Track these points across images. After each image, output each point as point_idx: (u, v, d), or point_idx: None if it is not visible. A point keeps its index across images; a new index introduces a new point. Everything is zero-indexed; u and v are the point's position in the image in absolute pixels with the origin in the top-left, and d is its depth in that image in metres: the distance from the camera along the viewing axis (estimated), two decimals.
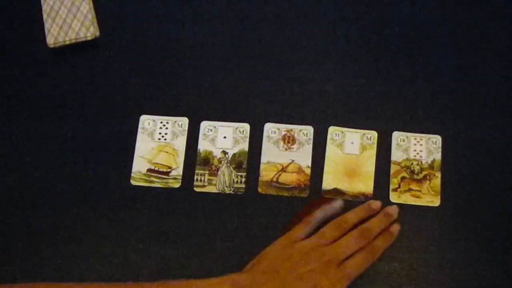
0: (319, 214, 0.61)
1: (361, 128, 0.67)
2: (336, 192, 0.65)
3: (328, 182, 0.65)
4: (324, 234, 0.59)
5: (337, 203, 0.62)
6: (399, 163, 0.66)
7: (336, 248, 0.58)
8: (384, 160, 0.66)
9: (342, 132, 0.67)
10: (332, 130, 0.67)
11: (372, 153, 0.66)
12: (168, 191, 0.66)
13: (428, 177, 0.65)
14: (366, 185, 0.65)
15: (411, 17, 0.70)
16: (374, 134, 0.66)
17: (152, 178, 0.66)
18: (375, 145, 0.66)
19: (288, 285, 0.55)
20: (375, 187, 0.65)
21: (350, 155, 0.66)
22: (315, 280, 0.55)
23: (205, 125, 0.68)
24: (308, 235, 0.59)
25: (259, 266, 0.57)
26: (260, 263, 0.58)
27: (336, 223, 0.60)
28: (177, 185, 0.66)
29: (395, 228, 0.61)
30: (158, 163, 0.66)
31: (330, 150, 0.66)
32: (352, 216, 0.61)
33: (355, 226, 0.60)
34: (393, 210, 0.62)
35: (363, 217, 0.61)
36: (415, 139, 0.66)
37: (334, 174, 0.65)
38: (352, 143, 0.66)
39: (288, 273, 0.56)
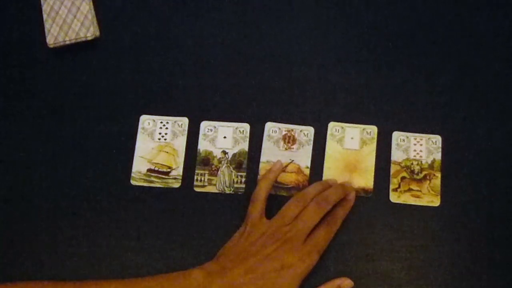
0: (260, 190, 0.61)
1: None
2: None
3: (328, 177, 0.65)
4: (285, 213, 0.60)
5: (275, 164, 0.63)
6: (399, 163, 0.66)
7: (298, 223, 0.59)
8: (384, 160, 0.66)
9: (342, 128, 0.67)
10: (332, 126, 0.67)
11: (372, 148, 0.66)
12: (168, 191, 0.66)
13: (428, 177, 0.65)
14: (366, 180, 0.65)
15: (411, 17, 0.70)
16: (374, 129, 0.66)
17: (152, 178, 0.66)
18: (375, 140, 0.66)
19: (254, 267, 0.56)
20: (375, 184, 0.65)
21: (350, 150, 0.66)
22: (282, 258, 0.57)
23: (205, 125, 0.68)
24: (263, 212, 0.60)
25: (226, 255, 0.59)
26: (226, 253, 0.59)
27: (295, 200, 0.60)
28: (177, 185, 0.66)
29: (352, 195, 0.62)
30: (158, 163, 0.66)
31: (330, 145, 0.66)
32: (310, 190, 0.61)
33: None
34: (348, 183, 0.64)
35: (321, 190, 0.62)
36: (415, 139, 0.66)
37: (334, 170, 0.65)
38: (352, 138, 0.66)
39: (253, 256, 0.57)
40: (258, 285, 0.56)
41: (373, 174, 0.65)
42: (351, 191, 0.63)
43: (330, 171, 0.65)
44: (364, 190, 0.64)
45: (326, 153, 0.66)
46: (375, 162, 0.66)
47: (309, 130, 0.67)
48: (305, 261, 0.58)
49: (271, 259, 0.57)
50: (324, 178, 0.65)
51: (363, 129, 0.66)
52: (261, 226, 0.59)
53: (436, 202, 0.64)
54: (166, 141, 0.67)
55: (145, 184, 0.66)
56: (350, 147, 0.66)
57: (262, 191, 0.61)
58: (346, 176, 0.65)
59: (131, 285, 0.57)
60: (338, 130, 0.67)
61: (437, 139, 0.66)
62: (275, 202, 0.65)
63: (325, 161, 0.66)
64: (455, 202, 0.64)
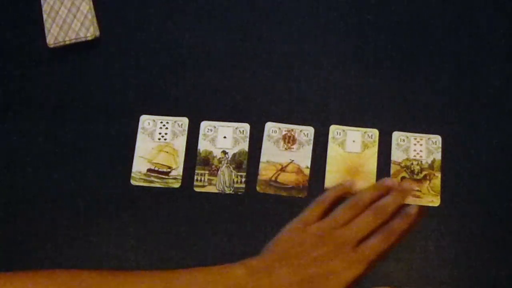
0: (329, 193, 0.59)
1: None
2: None
3: (330, 180, 0.65)
4: (337, 215, 0.57)
5: (347, 182, 0.60)
6: (399, 163, 0.66)
7: (350, 229, 0.55)
8: (384, 160, 0.66)
9: (344, 131, 0.67)
10: (334, 129, 0.67)
11: (373, 151, 0.66)
12: (168, 191, 0.66)
13: (428, 177, 0.65)
14: (368, 183, 0.65)
15: (411, 17, 0.70)
16: (375, 132, 0.66)
17: (152, 178, 0.66)
18: (377, 143, 0.66)
19: (301, 269, 0.53)
20: None
21: (351, 153, 0.66)
22: (329, 263, 0.54)
23: (205, 125, 0.68)
24: (321, 217, 0.58)
25: (272, 252, 0.56)
26: (272, 250, 0.56)
27: (349, 204, 0.57)
28: (177, 185, 0.66)
29: (413, 208, 0.57)
30: (158, 163, 0.66)
31: (332, 148, 0.66)
32: (366, 195, 0.58)
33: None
34: (408, 186, 0.59)
35: (378, 195, 0.58)
36: (415, 139, 0.66)
37: (336, 173, 0.65)
38: (354, 141, 0.66)
39: (301, 257, 0.54)
40: None
41: (375, 177, 0.65)
42: (415, 206, 0.57)
43: (332, 174, 0.65)
44: None
45: (328, 156, 0.66)
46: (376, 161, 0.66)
47: (309, 130, 0.67)
48: (351, 269, 0.54)
49: (318, 263, 0.54)
50: (326, 181, 0.65)
51: (365, 132, 0.66)
52: (312, 226, 0.56)
53: (436, 202, 0.64)
54: (166, 141, 0.67)
55: (145, 184, 0.66)
56: (352, 150, 0.66)
57: (328, 197, 0.58)
58: (348, 180, 0.65)
59: (163, 277, 0.53)
60: (340, 133, 0.67)
61: (437, 139, 0.66)
62: (276, 203, 0.65)
63: (327, 164, 0.66)
64: (455, 202, 0.64)
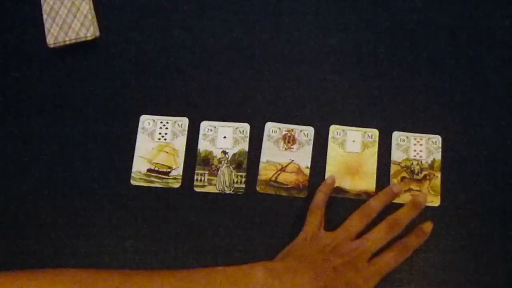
0: (318, 197, 0.60)
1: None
2: (338, 191, 0.65)
3: None
4: (349, 226, 0.58)
5: (329, 178, 0.62)
6: (399, 163, 0.66)
7: (366, 242, 0.56)
8: (384, 160, 0.66)
9: (343, 131, 0.67)
10: (333, 129, 0.67)
11: (373, 151, 0.66)
12: (168, 191, 0.66)
13: (428, 177, 0.65)
14: (368, 183, 0.65)
15: (411, 17, 0.70)
16: (375, 132, 0.66)
17: (152, 178, 0.66)
18: (377, 143, 0.66)
19: (323, 276, 0.53)
20: (376, 186, 0.65)
21: (351, 153, 0.66)
22: (349, 275, 0.54)
23: (205, 125, 0.68)
24: (322, 222, 0.59)
25: (290, 255, 0.56)
26: (291, 254, 0.56)
27: (360, 213, 0.58)
28: (177, 185, 0.66)
29: (428, 226, 0.60)
30: (158, 163, 0.66)
31: (332, 148, 0.66)
32: (376, 203, 0.59)
33: (380, 214, 0.59)
34: (422, 198, 0.60)
35: (387, 202, 0.60)
36: (415, 139, 0.66)
37: (336, 173, 0.65)
38: (354, 141, 0.66)
39: (322, 264, 0.54)
40: None
41: (375, 177, 0.65)
42: (429, 223, 0.60)
43: (332, 174, 0.65)
44: (367, 193, 0.64)
45: (328, 156, 0.66)
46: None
47: (309, 130, 0.67)
48: (369, 283, 0.55)
49: (339, 273, 0.54)
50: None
51: (365, 132, 0.66)
52: (323, 236, 0.57)
53: (436, 202, 0.64)
54: (166, 141, 0.67)
55: (145, 184, 0.66)
56: (352, 150, 0.66)
57: (319, 202, 0.60)
58: (348, 180, 0.65)
59: (184, 277, 0.53)
60: (340, 133, 0.67)
61: (437, 139, 0.66)
62: (276, 203, 0.65)
63: (327, 164, 0.66)
64: (455, 202, 0.64)
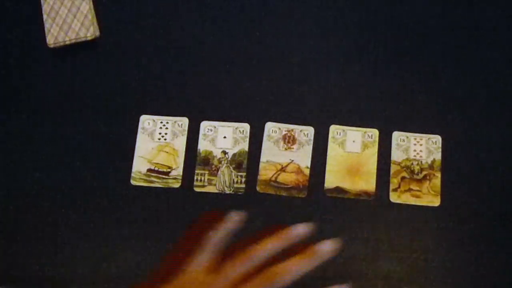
0: (213, 237, 0.48)
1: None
2: (339, 191, 0.65)
3: (330, 180, 0.65)
4: (228, 273, 0.47)
5: (232, 217, 0.49)
6: (399, 163, 0.66)
7: None
8: (384, 160, 0.66)
9: (343, 131, 0.67)
10: (334, 129, 0.67)
11: (373, 151, 0.66)
12: (168, 191, 0.66)
13: (428, 177, 0.65)
14: (368, 183, 0.65)
15: (411, 17, 0.70)
16: (375, 132, 0.66)
17: (152, 178, 0.66)
18: (376, 143, 0.66)
19: None
20: (376, 186, 0.65)
21: (351, 153, 0.66)
22: None
23: (205, 125, 0.68)
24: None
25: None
26: None
27: (243, 260, 0.47)
28: (177, 185, 0.66)
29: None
30: (158, 163, 0.66)
31: (332, 148, 0.66)
32: (264, 250, 0.47)
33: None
34: (329, 245, 0.44)
35: (280, 249, 0.46)
36: (415, 139, 0.66)
37: (336, 173, 0.65)
38: (354, 141, 0.66)
39: None
40: None
41: (375, 177, 0.65)
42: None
43: (332, 174, 0.65)
44: (366, 193, 0.64)
45: (328, 156, 0.66)
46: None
47: (309, 130, 0.67)
48: None
49: None
50: (326, 181, 0.65)
51: (365, 132, 0.66)
52: (207, 277, 0.47)
53: (436, 202, 0.64)
54: (166, 141, 0.67)
55: (145, 184, 0.66)
56: (352, 150, 0.66)
57: (213, 239, 0.49)
58: (348, 179, 0.65)
59: None
60: (340, 133, 0.67)
61: (437, 139, 0.66)
62: (276, 203, 0.65)
63: (327, 164, 0.66)
64: (455, 202, 0.64)
